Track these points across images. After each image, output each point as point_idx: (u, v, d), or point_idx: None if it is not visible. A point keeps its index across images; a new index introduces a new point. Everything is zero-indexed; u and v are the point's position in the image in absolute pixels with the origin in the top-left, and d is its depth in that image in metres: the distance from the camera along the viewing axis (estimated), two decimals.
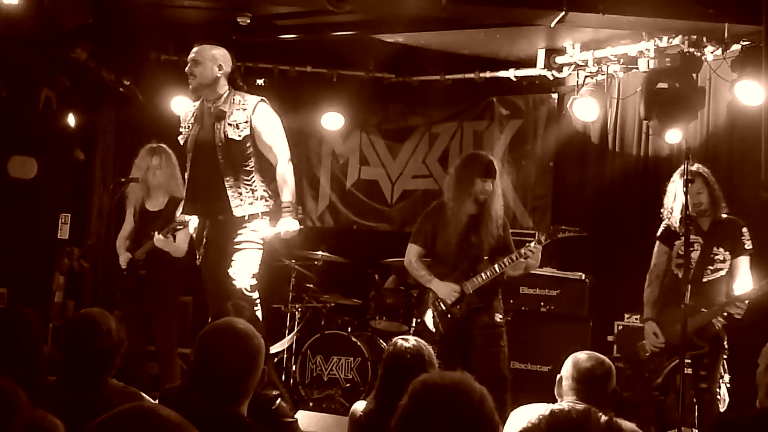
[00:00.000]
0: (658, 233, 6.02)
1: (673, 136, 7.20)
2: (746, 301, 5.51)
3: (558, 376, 3.66)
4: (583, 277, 7.36)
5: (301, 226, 5.75)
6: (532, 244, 5.60)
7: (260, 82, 8.00)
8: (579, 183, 8.50)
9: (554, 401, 3.61)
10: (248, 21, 7.16)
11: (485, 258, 5.76)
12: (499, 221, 5.81)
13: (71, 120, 8.18)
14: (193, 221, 5.90)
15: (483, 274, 5.69)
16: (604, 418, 1.85)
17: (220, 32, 7.20)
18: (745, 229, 5.75)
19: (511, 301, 7.25)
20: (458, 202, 5.72)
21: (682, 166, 5.56)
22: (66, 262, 7.36)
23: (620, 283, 6.27)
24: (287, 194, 5.59)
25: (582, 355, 3.67)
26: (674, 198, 5.84)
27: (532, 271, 6.06)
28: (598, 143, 8.29)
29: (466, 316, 5.71)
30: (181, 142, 5.81)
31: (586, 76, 7.80)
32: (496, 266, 5.67)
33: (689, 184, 5.39)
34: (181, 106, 7.55)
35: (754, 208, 7.01)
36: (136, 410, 1.86)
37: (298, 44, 8.09)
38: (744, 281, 5.66)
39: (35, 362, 2.95)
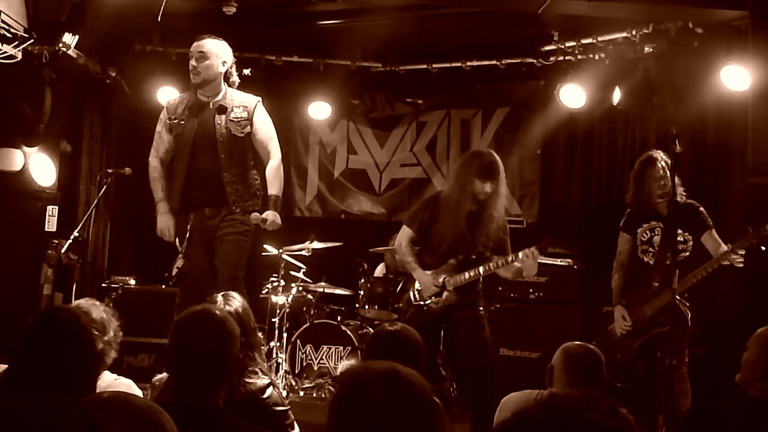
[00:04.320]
0: (621, 223, 6.20)
1: (615, 95, 7.38)
2: (740, 252, 5.58)
3: (549, 365, 3.67)
4: (572, 263, 7.36)
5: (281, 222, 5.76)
6: (522, 252, 5.50)
7: (247, 72, 7.96)
8: (567, 170, 8.52)
9: (544, 388, 3.62)
10: (234, 11, 7.11)
11: (473, 257, 5.72)
12: (499, 222, 5.74)
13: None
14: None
15: (467, 273, 5.64)
16: (602, 402, 1.84)
17: (204, 23, 7.18)
18: (701, 209, 5.97)
19: (500, 288, 7.26)
20: (456, 199, 5.63)
21: (646, 154, 6.05)
22: (53, 254, 7.32)
23: (608, 269, 6.30)
24: (275, 189, 5.63)
25: (573, 345, 3.69)
26: (637, 184, 6.07)
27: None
28: (585, 130, 8.31)
29: (444, 310, 5.69)
30: (166, 133, 5.78)
31: (572, 63, 7.79)
32: (480, 268, 5.61)
33: (667, 168, 5.76)
34: (168, 97, 7.54)
35: (740, 192, 7.06)
36: (110, 397, 1.89)
37: (284, 34, 8.06)
38: (717, 249, 5.80)
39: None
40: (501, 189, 5.68)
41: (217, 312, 2.97)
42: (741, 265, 5.66)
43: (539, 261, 5.86)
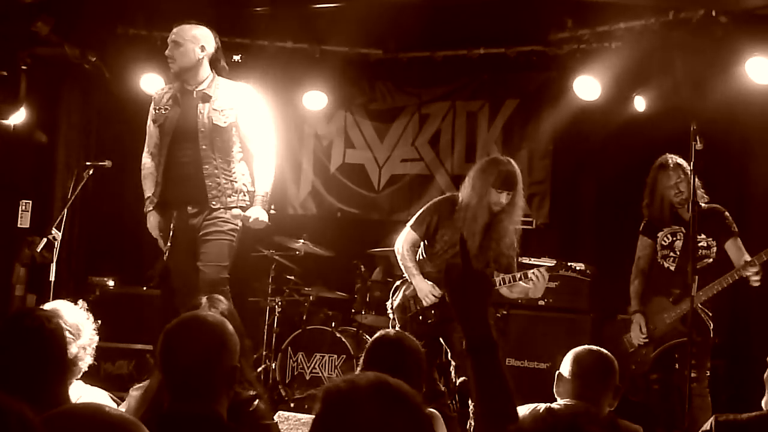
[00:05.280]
0: (641, 226, 6.25)
1: (639, 103, 7.48)
2: (758, 266, 5.62)
3: (557, 372, 3.67)
4: (585, 268, 7.35)
5: (268, 221, 5.70)
6: (531, 272, 5.49)
7: (236, 58, 7.95)
8: (580, 167, 8.50)
9: (553, 401, 3.62)
10: None
11: None
12: (513, 236, 5.72)
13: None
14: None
15: None
16: (602, 415, 1.85)
17: (192, 5, 7.17)
18: (726, 214, 6.00)
19: None
20: (474, 211, 5.61)
21: (659, 159, 6.10)
22: (27, 252, 7.31)
23: (624, 274, 6.29)
24: (261, 184, 5.60)
25: (583, 351, 3.68)
26: (650, 193, 6.15)
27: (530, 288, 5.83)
28: (600, 125, 8.27)
29: (439, 322, 5.69)
30: (153, 125, 5.79)
31: (587, 53, 7.78)
32: None
33: (681, 172, 5.90)
34: (152, 84, 7.53)
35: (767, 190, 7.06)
36: (81, 408, 1.90)
37: (277, 17, 8.04)
38: (740, 259, 5.82)
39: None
40: (518, 200, 5.67)
41: (209, 317, 2.97)
42: (757, 284, 5.69)
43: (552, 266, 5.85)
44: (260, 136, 5.68)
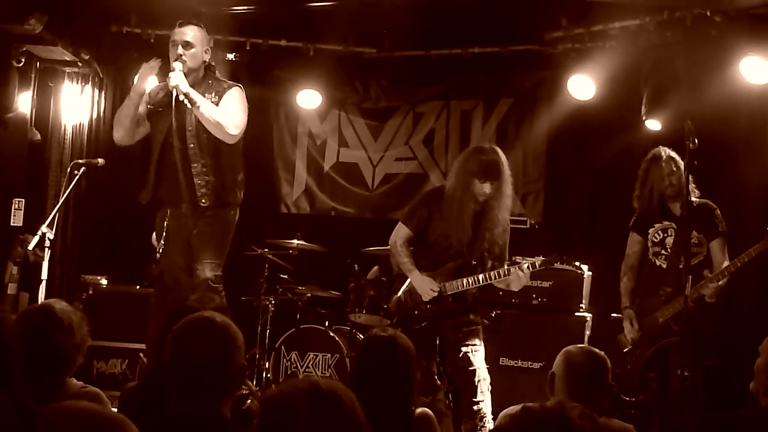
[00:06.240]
0: (631, 222, 6.29)
1: (653, 125, 7.41)
2: (719, 282, 5.64)
3: (550, 372, 3.68)
4: (579, 267, 7.36)
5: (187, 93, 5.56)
6: (525, 265, 5.51)
7: (231, 56, 7.95)
8: (575, 166, 8.50)
9: (546, 400, 3.63)
10: None
11: (473, 263, 5.72)
12: (504, 225, 5.72)
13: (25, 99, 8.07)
14: None
15: (465, 280, 5.64)
16: (580, 412, 1.88)
17: (186, 3, 7.17)
18: (717, 212, 6.03)
19: (501, 293, 7.23)
20: (459, 201, 5.59)
21: (652, 151, 6.17)
22: (19, 251, 7.31)
23: (618, 273, 6.31)
24: (211, 106, 5.53)
25: (575, 350, 3.69)
26: (641, 185, 6.18)
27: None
28: (595, 123, 8.28)
29: (435, 316, 5.69)
30: (144, 109, 5.82)
31: (582, 52, 7.79)
32: (481, 276, 5.61)
33: (674, 165, 5.96)
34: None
35: (760, 192, 7.07)
36: (74, 406, 1.91)
37: (271, 16, 8.04)
38: (721, 263, 5.84)
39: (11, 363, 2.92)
40: (505, 189, 5.64)
41: (217, 317, 2.98)
42: (711, 300, 5.74)
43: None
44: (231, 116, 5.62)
